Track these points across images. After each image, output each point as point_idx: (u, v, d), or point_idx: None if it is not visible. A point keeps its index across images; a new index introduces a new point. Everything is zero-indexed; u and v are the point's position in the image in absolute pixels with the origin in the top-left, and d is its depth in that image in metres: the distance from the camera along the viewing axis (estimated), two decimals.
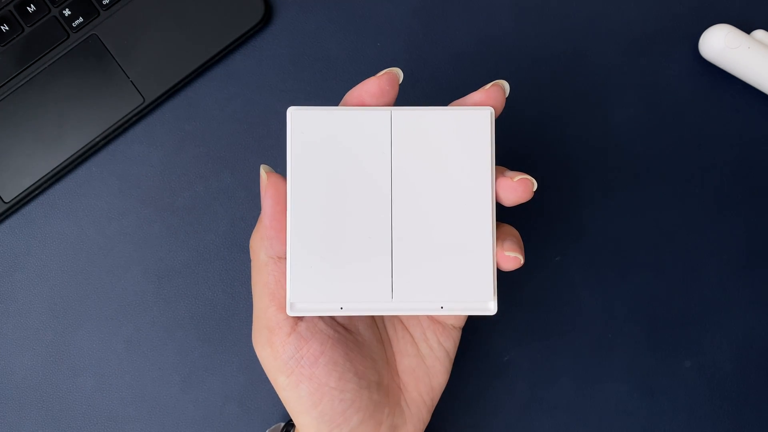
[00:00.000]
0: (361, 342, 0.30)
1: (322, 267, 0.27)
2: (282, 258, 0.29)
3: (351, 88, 0.28)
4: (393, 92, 0.28)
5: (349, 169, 0.27)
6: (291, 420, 0.37)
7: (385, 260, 0.27)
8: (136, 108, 0.39)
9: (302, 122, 0.28)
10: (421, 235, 0.28)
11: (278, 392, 0.29)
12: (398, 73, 0.28)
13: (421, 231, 0.28)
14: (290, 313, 0.28)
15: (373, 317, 0.32)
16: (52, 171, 0.39)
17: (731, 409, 0.39)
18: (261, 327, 0.29)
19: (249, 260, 0.31)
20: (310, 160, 0.27)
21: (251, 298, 0.39)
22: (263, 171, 0.29)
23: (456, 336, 0.32)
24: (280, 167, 0.40)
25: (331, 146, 0.27)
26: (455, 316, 0.31)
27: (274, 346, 0.28)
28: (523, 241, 0.30)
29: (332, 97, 0.41)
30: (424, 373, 0.31)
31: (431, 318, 0.32)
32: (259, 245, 0.29)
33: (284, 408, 0.38)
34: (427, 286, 0.28)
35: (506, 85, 0.29)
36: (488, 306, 0.28)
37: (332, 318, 0.30)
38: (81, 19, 0.40)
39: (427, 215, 0.28)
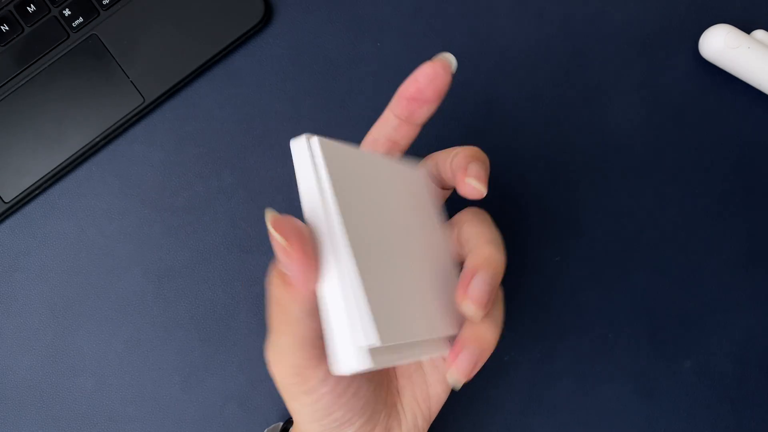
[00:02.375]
0: None
1: (396, 311, 0.24)
2: (313, 312, 0.25)
3: (351, 88, 0.28)
4: (447, 77, 0.27)
5: (372, 209, 0.25)
6: (290, 417, 0.37)
7: (429, 299, 0.26)
8: (136, 108, 0.39)
9: (330, 154, 0.24)
10: (416, 276, 0.26)
11: (286, 402, 0.28)
12: (450, 60, 0.27)
13: (415, 273, 0.26)
14: (367, 366, 0.22)
15: None
16: (52, 171, 0.39)
17: (731, 409, 0.39)
18: (289, 364, 0.26)
19: (249, 260, 0.31)
20: (347, 196, 0.24)
21: (251, 298, 0.39)
22: (271, 217, 0.24)
23: None
24: (279, 167, 0.40)
25: (355, 184, 0.25)
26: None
27: (305, 377, 0.26)
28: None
29: (332, 97, 0.41)
30: (422, 380, 0.31)
31: None
32: (291, 302, 0.24)
33: (284, 407, 0.38)
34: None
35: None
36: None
37: None
38: (81, 19, 0.40)
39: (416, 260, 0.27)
